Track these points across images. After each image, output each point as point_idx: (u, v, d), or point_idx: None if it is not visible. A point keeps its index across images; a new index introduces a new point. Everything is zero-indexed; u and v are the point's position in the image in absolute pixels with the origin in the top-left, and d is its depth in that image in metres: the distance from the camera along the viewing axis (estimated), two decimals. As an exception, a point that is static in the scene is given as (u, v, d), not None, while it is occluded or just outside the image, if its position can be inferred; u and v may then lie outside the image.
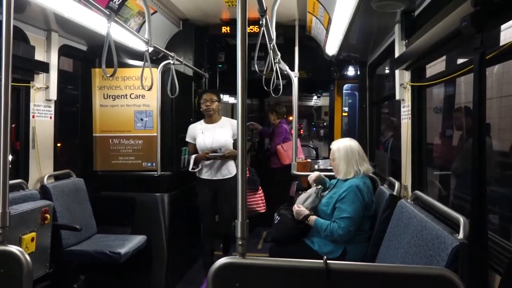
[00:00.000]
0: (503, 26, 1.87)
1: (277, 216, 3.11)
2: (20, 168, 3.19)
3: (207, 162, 3.83)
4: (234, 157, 3.82)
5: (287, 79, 4.35)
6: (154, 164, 3.76)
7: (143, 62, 2.89)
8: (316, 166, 4.60)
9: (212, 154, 3.74)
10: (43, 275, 2.84)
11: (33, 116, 3.24)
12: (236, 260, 1.33)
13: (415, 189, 2.59)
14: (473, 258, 1.47)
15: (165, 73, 3.71)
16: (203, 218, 3.96)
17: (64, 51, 3.57)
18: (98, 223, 3.69)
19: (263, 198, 4.72)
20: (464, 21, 1.44)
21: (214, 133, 3.85)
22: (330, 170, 3.16)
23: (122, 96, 3.87)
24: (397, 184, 2.86)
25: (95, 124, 3.88)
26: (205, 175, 3.86)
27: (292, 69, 4.07)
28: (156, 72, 3.55)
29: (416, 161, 2.67)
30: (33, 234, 2.66)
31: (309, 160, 4.72)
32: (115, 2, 3.09)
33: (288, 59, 3.98)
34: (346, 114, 6.30)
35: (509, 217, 3.18)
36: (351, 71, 5.44)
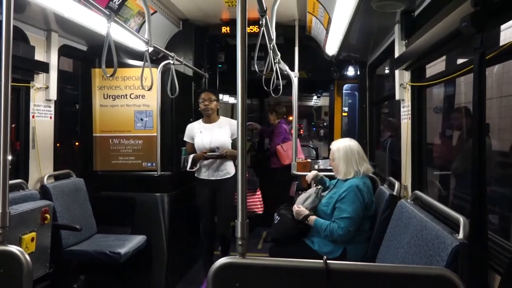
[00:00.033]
0: (503, 26, 1.87)
1: (277, 216, 3.11)
2: (20, 168, 3.20)
3: (206, 162, 3.81)
4: (232, 157, 3.81)
5: (287, 79, 4.35)
6: (154, 164, 3.76)
7: (143, 62, 2.88)
8: (316, 166, 4.60)
9: (210, 153, 3.74)
10: (43, 275, 2.84)
11: (33, 116, 3.25)
12: (236, 260, 1.33)
13: (415, 189, 2.59)
14: (473, 258, 1.47)
15: (165, 73, 3.71)
16: (202, 218, 3.96)
17: (64, 51, 3.57)
18: (98, 223, 3.69)
19: (261, 199, 4.72)
20: (464, 21, 1.44)
21: (213, 133, 3.84)
22: (330, 170, 3.16)
23: (122, 96, 3.87)
24: (397, 184, 2.85)
25: (95, 124, 3.88)
26: (204, 175, 3.86)
27: (292, 69, 4.07)
28: (156, 72, 3.55)
29: (416, 161, 2.67)
30: (33, 234, 2.66)
31: (309, 160, 4.72)
32: (115, 2, 3.09)
33: (288, 59, 3.98)
34: (346, 114, 6.29)
35: (509, 217, 3.18)
36: (351, 71, 5.44)
